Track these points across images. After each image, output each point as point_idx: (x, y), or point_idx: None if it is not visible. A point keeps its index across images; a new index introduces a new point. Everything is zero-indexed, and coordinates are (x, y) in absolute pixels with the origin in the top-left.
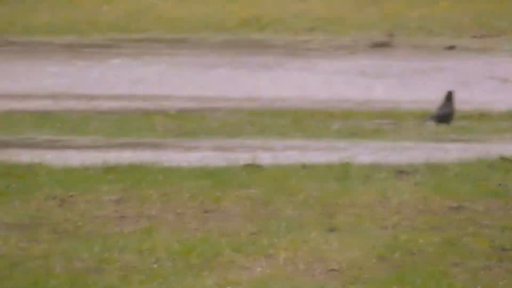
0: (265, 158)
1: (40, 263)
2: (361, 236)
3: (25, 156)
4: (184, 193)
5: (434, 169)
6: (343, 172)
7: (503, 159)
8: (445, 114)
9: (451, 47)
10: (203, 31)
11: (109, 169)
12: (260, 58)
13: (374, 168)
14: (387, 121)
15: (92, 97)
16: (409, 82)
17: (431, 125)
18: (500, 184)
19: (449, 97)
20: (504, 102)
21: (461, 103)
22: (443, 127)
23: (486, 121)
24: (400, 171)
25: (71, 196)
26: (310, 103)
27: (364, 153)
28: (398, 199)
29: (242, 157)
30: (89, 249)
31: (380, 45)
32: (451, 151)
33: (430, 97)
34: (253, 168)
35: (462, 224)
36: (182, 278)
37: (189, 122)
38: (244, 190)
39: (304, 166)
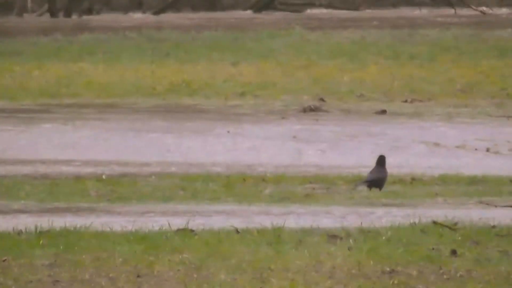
0: (197, 223)
1: None
2: None
3: None
4: (117, 258)
5: (367, 233)
6: (275, 236)
7: (435, 223)
8: (377, 179)
9: (382, 112)
10: (133, 96)
11: (42, 234)
12: (191, 123)
13: (307, 232)
14: (319, 186)
15: (24, 162)
16: (341, 146)
17: (363, 189)
18: (433, 249)
19: (380, 161)
20: (435, 167)
21: (393, 168)
22: (375, 191)
23: (418, 186)
24: (333, 236)
25: (4, 260)
26: (241, 168)
27: (297, 217)
28: (331, 264)
29: (175, 222)
30: None
31: (311, 110)
32: (384, 216)
33: (362, 161)
34: (186, 233)
35: None
36: None
37: (121, 187)
38: (177, 254)
39: (237, 231)
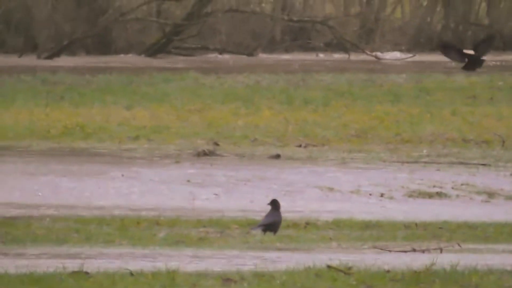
0: (92, 266)
1: None
2: None
3: None
4: None
5: (261, 277)
6: (169, 279)
7: (330, 267)
8: (271, 223)
9: (276, 156)
10: (28, 139)
11: None
12: (86, 166)
13: (201, 276)
14: (213, 229)
15: None
16: (235, 190)
17: (258, 233)
18: None
19: (274, 205)
20: (329, 211)
21: (287, 212)
22: (269, 235)
23: (312, 230)
24: (227, 279)
25: None
26: (136, 211)
27: (191, 261)
28: None
29: (69, 265)
30: None
31: (205, 154)
32: (278, 260)
33: (256, 206)
34: (80, 275)
35: None
36: None
37: (15, 229)
38: None
39: (131, 274)
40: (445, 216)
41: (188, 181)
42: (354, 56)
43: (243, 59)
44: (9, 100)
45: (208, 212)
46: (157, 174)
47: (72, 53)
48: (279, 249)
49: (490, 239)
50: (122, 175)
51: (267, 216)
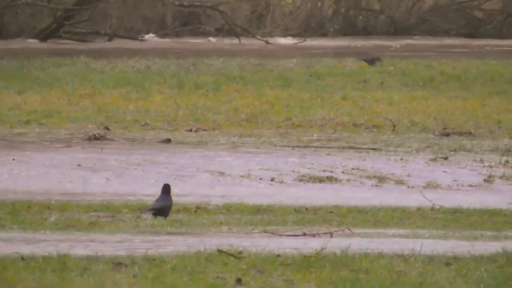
0: None
1: None
2: None
3: None
4: None
5: (152, 261)
6: (60, 264)
7: (220, 252)
8: (162, 207)
9: (167, 141)
10: None
11: None
12: None
13: (92, 260)
14: (104, 214)
15: None
16: (125, 175)
17: (149, 217)
18: (217, 277)
19: (165, 190)
20: (220, 195)
21: (177, 197)
22: (160, 219)
23: (203, 214)
24: (118, 263)
25: None
26: (26, 195)
27: (81, 245)
28: None
29: None
30: None
31: (95, 139)
32: (169, 244)
33: (146, 190)
34: None
35: None
36: None
37: None
38: None
39: (22, 258)
40: (335, 201)
41: (79, 165)
42: (245, 41)
43: (134, 43)
44: None
45: (99, 197)
46: (48, 158)
47: None
48: (170, 233)
49: (381, 223)
50: (13, 159)
51: (157, 200)
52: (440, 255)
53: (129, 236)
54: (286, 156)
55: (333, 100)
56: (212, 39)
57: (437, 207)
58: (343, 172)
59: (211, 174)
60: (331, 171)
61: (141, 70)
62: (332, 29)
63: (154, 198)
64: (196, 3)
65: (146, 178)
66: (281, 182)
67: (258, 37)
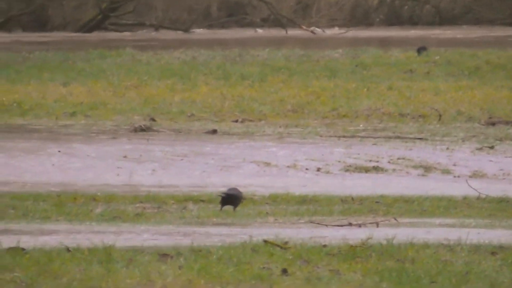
0: (28, 242)
1: None
2: None
3: None
4: None
5: (198, 252)
6: (106, 255)
7: (266, 242)
8: (234, 195)
9: (213, 131)
10: None
11: None
12: (22, 142)
13: (138, 251)
14: (150, 205)
15: None
16: (171, 166)
17: (194, 208)
18: (263, 268)
19: None
20: (266, 186)
21: (223, 187)
22: (206, 210)
23: (249, 205)
24: (164, 255)
25: None
26: (72, 187)
27: (127, 236)
28: (162, 282)
29: (6, 241)
30: None
31: (141, 130)
32: (215, 235)
33: (192, 181)
34: (16, 251)
35: None
36: None
37: None
38: (8, 273)
39: (67, 249)
40: (381, 190)
41: (125, 156)
42: (290, 32)
43: (180, 34)
44: None
45: (145, 188)
46: (94, 150)
47: (8, 30)
48: (216, 224)
49: (426, 213)
50: (59, 151)
51: (230, 189)
52: (486, 244)
53: (175, 227)
54: (332, 146)
55: (379, 90)
56: (259, 30)
57: (483, 196)
58: (389, 162)
59: (257, 165)
60: (377, 161)
61: (187, 61)
62: (377, 19)
63: (200, 189)
64: None
65: (192, 169)
66: (327, 172)
67: (304, 27)
